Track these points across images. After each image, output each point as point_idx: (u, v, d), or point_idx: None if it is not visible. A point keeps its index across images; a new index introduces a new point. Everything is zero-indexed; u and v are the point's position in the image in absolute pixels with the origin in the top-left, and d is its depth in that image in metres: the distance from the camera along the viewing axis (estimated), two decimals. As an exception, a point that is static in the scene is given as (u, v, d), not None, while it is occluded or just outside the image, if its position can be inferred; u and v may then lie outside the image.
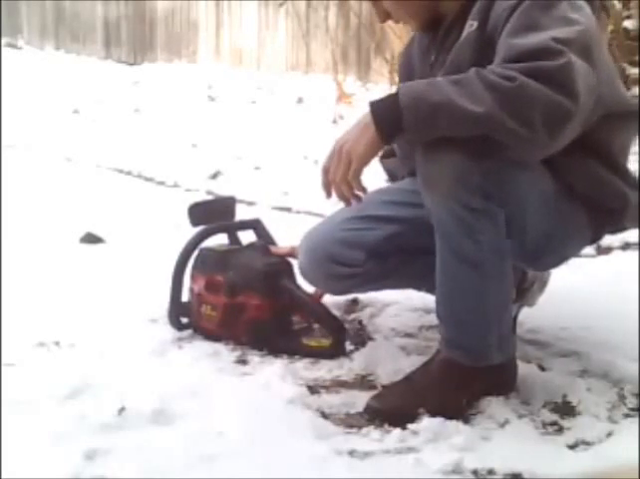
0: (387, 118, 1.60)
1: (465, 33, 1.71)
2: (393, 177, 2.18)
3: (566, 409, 1.76)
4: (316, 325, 2.11)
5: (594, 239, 1.91)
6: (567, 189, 1.77)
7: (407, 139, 1.64)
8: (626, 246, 2.92)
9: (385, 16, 1.88)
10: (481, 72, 1.56)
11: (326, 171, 1.69)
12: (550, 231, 1.78)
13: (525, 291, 2.06)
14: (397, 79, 2.25)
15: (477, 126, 1.55)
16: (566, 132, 1.57)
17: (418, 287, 2.09)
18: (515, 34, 1.60)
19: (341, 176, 1.66)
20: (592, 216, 1.82)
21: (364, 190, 1.68)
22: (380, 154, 2.11)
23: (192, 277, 2.15)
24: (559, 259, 1.88)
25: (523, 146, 1.58)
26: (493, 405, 1.75)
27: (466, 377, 1.75)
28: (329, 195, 1.71)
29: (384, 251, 1.91)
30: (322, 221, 2.03)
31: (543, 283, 2.12)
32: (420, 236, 1.76)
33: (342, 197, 1.69)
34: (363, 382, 1.92)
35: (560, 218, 1.78)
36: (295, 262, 2.08)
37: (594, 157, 1.76)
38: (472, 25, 1.70)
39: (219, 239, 2.22)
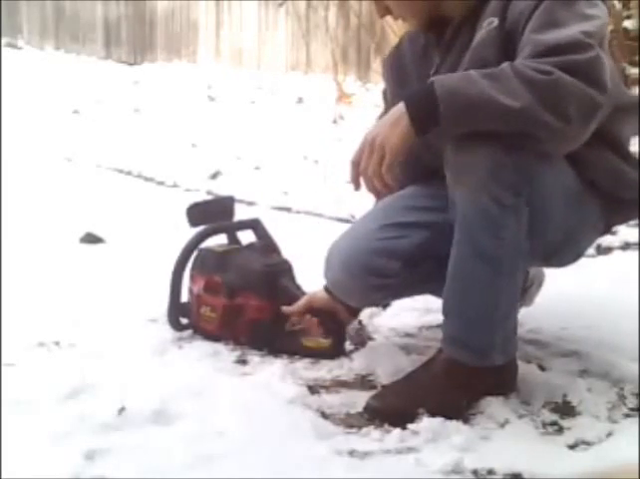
0: (421, 111, 1.60)
1: (484, 31, 1.71)
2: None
3: (566, 409, 1.76)
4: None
5: (605, 230, 1.93)
6: (587, 183, 1.78)
7: (441, 132, 1.62)
8: (626, 246, 2.92)
9: (384, 11, 1.87)
10: (516, 66, 1.57)
11: (356, 163, 1.68)
12: (570, 226, 1.78)
13: (525, 291, 2.06)
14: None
15: (513, 120, 1.56)
16: (594, 123, 1.60)
17: (440, 294, 2.03)
18: (540, 30, 1.61)
19: (373, 168, 1.64)
20: (607, 208, 1.83)
21: (398, 181, 1.68)
22: None
23: (192, 278, 2.15)
24: (576, 255, 1.89)
25: (558, 139, 1.60)
26: (493, 405, 1.75)
27: (467, 377, 1.74)
28: (358, 187, 1.69)
29: (417, 259, 1.86)
30: (346, 231, 1.98)
31: (540, 283, 2.13)
32: (448, 241, 1.72)
33: (373, 190, 1.68)
34: (363, 382, 1.91)
35: (580, 213, 1.79)
36: (294, 264, 2.09)
37: (611, 150, 1.78)
38: (492, 22, 1.70)
39: (219, 240, 2.22)
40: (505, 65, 1.58)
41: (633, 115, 1.85)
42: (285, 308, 2.05)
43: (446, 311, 1.77)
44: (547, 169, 1.67)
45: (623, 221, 1.96)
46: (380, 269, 1.85)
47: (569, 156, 1.70)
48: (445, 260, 1.74)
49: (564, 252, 1.85)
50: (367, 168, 1.65)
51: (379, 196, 1.68)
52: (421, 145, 1.70)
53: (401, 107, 1.63)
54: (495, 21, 1.70)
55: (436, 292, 2.01)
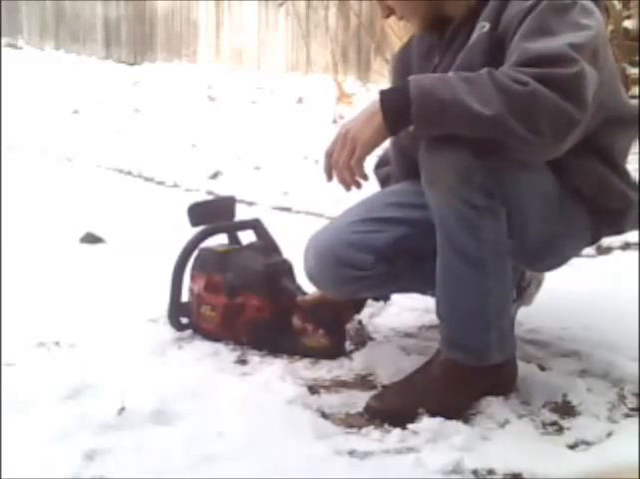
0: (395, 109, 1.60)
1: (475, 34, 1.71)
2: (386, 185, 2.16)
3: (566, 409, 1.76)
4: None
5: (594, 240, 1.92)
6: (571, 190, 1.77)
7: (413, 132, 1.63)
8: (626, 247, 2.92)
9: (388, 11, 1.87)
10: (494, 73, 1.56)
11: (329, 154, 1.69)
12: (552, 231, 1.78)
13: (523, 291, 2.06)
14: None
15: (483, 127, 1.55)
16: (570, 138, 1.58)
17: (424, 291, 2.03)
18: (529, 37, 1.60)
19: (344, 161, 1.66)
20: (594, 217, 1.82)
21: (365, 177, 1.69)
22: (374, 164, 2.12)
23: (192, 278, 2.15)
24: (559, 261, 1.89)
25: (528, 150, 1.59)
26: (493, 405, 1.75)
27: (466, 377, 1.75)
28: (330, 178, 1.71)
29: (393, 254, 1.86)
30: (327, 224, 1.99)
31: (539, 282, 2.13)
32: (428, 238, 1.72)
33: (343, 181, 1.69)
34: (363, 382, 1.92)
35: (562, 219, 1.78)
36: (294, 264, 2.09)
37: (599, 159, 1.77)
38: (483, 26, 1.70)
39: (219, 240, 2.22)
40: (484, 71, 1.57)
41: (632, 126, 1.83)
42: (300, 299, 2.07)
43: (439, 313, 1.78)
44: (523, 171, 1.66)
45: (614, 232, 1.93)
46: (352, 262, 1.85)
47: (553, 162, 1.69)
48: (423, 258, 1.74)
49: (547, 256, 1.84)
50: (338, 160, 1.66)
51: (349, 188, 1.69)
52: (409, 140, 1.70)
53: (376, 102, 1.63)
54: (487, 25, 1.69)
55: (415, 290, 2.04)
